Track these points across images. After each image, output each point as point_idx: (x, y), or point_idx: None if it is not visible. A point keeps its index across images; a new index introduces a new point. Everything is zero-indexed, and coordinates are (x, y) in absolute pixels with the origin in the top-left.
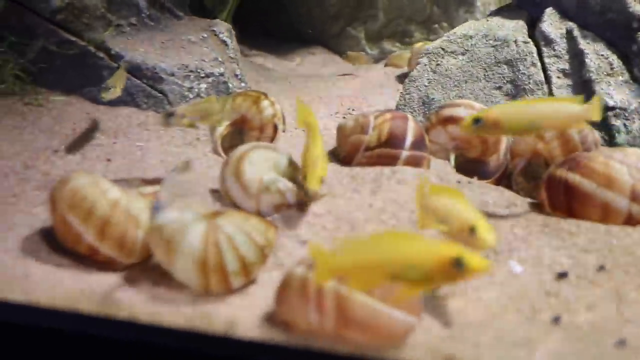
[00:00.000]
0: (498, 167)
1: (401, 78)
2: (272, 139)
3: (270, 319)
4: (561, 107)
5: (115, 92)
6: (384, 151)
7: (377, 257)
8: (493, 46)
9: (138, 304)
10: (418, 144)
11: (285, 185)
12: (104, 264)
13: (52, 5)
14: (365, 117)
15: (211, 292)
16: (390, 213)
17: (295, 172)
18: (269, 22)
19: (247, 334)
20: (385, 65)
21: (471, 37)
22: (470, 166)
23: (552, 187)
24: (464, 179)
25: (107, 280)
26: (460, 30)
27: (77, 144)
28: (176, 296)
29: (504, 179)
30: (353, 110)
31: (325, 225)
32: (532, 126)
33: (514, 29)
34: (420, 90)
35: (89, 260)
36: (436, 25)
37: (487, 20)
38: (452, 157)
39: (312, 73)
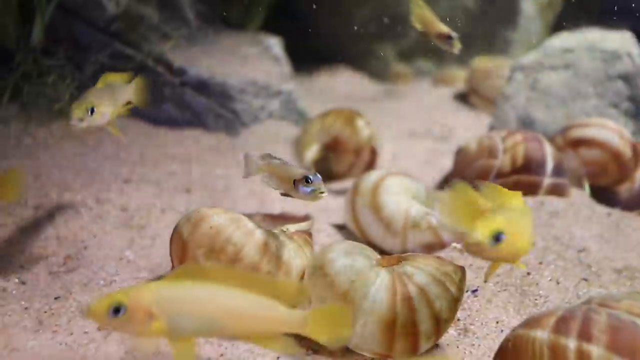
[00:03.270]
0: (632, 198)
1: (459, 97)
2: (370, 165)
3: None
4: None
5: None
6: (523, 178)
7: None
8: (602, 60)
9: None
10: (559, 170)
11: (439, 220)
12: None
13: (107, 13)
14: (490, 138)
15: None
16: (555, 253)
17: (433, 204)
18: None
19: None
20: (435, 83)
21: (572, 49)
22: (598, 195)
23: None
24: (612, 210)
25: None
26: (556, 42)
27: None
28: None
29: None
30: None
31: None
32: None
33: (622, 40)
34: (517, 110)
35: None
36: (473, 43)
37: (583, 32)
38: (586, 185)
39: (351, 93)
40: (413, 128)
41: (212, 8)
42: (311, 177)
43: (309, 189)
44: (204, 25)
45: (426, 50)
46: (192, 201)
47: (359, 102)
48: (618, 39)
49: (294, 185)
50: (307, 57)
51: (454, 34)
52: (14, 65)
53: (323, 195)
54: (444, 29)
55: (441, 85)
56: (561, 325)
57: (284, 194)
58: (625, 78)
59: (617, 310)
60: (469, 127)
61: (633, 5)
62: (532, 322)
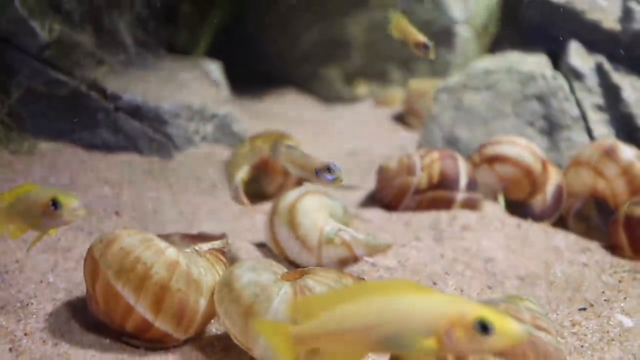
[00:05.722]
0: (550, 206)
1: (397, 118)
2: (298, 185)
3: None
4: None
5: None
6: (438, 194)
7: (358, 322)
8: (519, 81)
9: None
10: (472, 185)
11: (352, 235)
12: (154, 342)
13: (39, 40)
14: (409, 157)
15: None
16: (466, 263)
17: (351, 220)
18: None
19: None
20: (376, 104)
21: (493, 72)
22: (513, 208)
23: (634, 229)
24: (522, 222)
25: None
26: (479, 65)
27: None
28: None
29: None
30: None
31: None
32: None
33: (538, 63)
34: (443, 129)
35: (136, 338)
36: (415, 65)
37: (506, 57)
38: (501, 199)
39: (297, 114)
40: (352, 147)
41: (155, 34)
42: (332, 166)
43: (331, 177)
44: (143, 50)
45: (369, 74)
46: (120, 224)
47: (303, 123)
48: (534, 62)
49: (316, 173)
50: (255, 79)
51: (429, 43)
52: None
53: (342, 182)
54: (422, 38)
55: (382, 106)
56: None
57: (305, 180)
58: (540, 98)
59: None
60: (405, 146)
61: (549, 31)
62: None
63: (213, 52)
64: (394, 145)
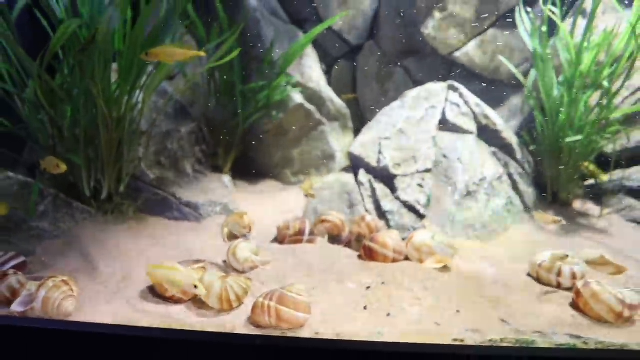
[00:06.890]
0: (345, 239)
1: (306, 196)
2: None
3: (249, 321)
4: None
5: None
6: (297, 237)
7: None
8: (342, 186)
9: (195, 317)
10: (312, 233)
11: (256, 258)
12: (176, 301)
13: (150, 178)
14: (287, 222)
15: (223, 310)
16: (300, 266)
17: (260, 251)
18: (243, 167)
19: (241, 331)
20: (300, 187)
21: (332, 182)
22: (333, 239)
23: (365, 248)
24: (333, 246)
25: (179, 308)
26: (327, 178)
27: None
28: (210, 312)
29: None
30: (285, 213)
31: (271, 274)
32: None
33: (349, 179)
34: (314, 206)
35: (170, 300)
36: (322, 168)
37: (338, 175)
38: (327, 237)
39: (269, 190)
40: (285, 209)
41: (204, 164)
42: (247, 235)
43: (247, 237)
44: (196, 174)
45: (301, 173)
46: (177, 256)
47: (269, 196)
48: (348, 177)
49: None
50: (253, 175)
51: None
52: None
53: (249, 239)
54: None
55: (301, 189)
56: (267, 295)
57: (238, 235)
58: (348, 193)
59: (287, 290)
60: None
61: (355, 165)
62: (261, 295)
63: (233, 165)
64: (301, 209)
